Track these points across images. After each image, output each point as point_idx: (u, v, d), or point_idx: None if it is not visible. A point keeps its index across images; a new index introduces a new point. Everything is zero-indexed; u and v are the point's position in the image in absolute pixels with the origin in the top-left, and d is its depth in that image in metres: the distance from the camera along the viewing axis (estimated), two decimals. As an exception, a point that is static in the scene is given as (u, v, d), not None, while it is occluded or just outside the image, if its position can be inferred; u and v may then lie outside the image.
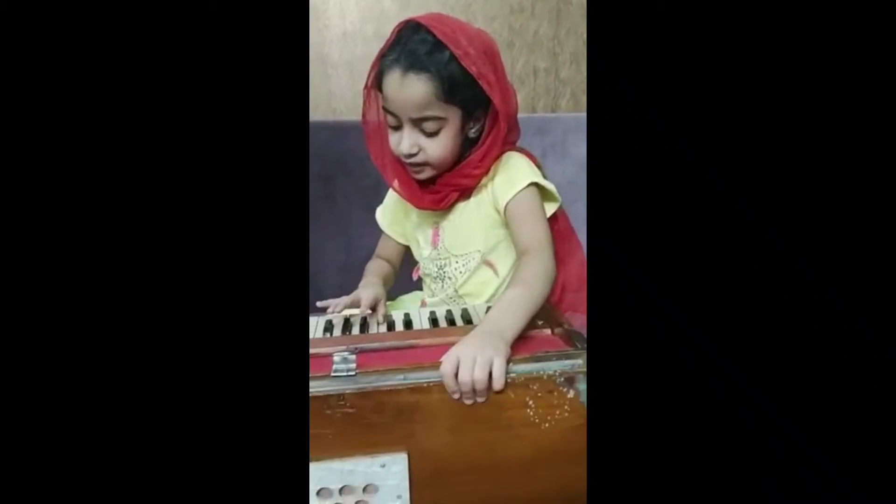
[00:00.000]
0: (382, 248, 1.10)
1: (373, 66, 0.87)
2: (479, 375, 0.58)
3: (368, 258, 1.10)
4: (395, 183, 0.95)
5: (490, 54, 0.86)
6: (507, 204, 0.89)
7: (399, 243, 1.08)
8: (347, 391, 0.57)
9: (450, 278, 0.99)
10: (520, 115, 0.94)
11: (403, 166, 0.91)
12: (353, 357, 0.63)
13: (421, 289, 1.10)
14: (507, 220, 0.90)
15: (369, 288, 0.92)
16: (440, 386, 0.58)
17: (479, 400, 0.58)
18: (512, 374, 0.60)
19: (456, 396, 0.59)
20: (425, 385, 0.58)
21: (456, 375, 0.58)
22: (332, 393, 0.57)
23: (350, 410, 0.56)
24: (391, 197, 1.05)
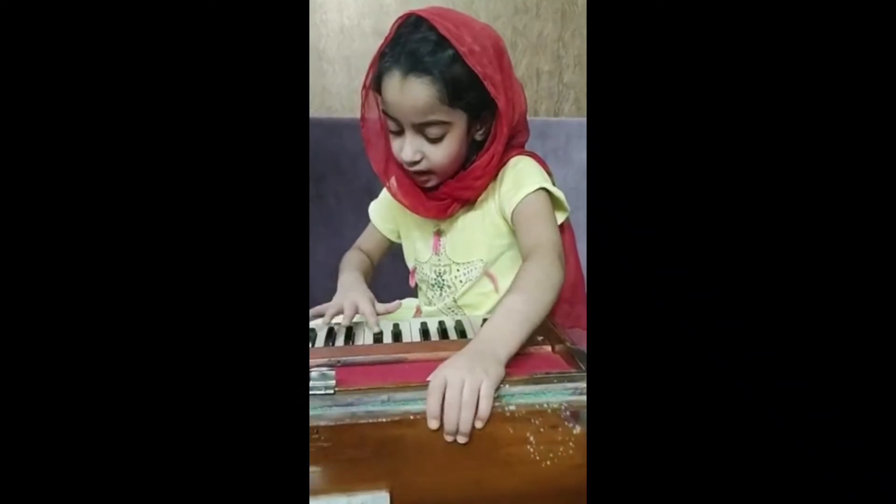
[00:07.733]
0: (366, 240, 1.03)
1: (371, 66, 0.80)
2: (468, 399, 0.51)
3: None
4: (396, 189, 0.88)
5: (497, 51, 0.79)
6: (513, 209, 0.82)
7: (387, 239, 1.02)
8: (322, 424, 0.50)
9: (449, 287, 0.92)
10: (521, 119, 0.88)
11: (407, 173, 0.85)
12: (333, 373, 0.56)
13: (416, 296, 1.03)
14: (514, 226, 0.83)
15: (352, 292, 0.84)
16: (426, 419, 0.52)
17: (461, 440, 0.51)
18: (511, 407, 0.53)
19: (435, 425, 0.51)
20: (411, 418, 0.51)
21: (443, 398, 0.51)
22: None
23: (325, 444, 0.49)
24: (387, 193, 0.98)
